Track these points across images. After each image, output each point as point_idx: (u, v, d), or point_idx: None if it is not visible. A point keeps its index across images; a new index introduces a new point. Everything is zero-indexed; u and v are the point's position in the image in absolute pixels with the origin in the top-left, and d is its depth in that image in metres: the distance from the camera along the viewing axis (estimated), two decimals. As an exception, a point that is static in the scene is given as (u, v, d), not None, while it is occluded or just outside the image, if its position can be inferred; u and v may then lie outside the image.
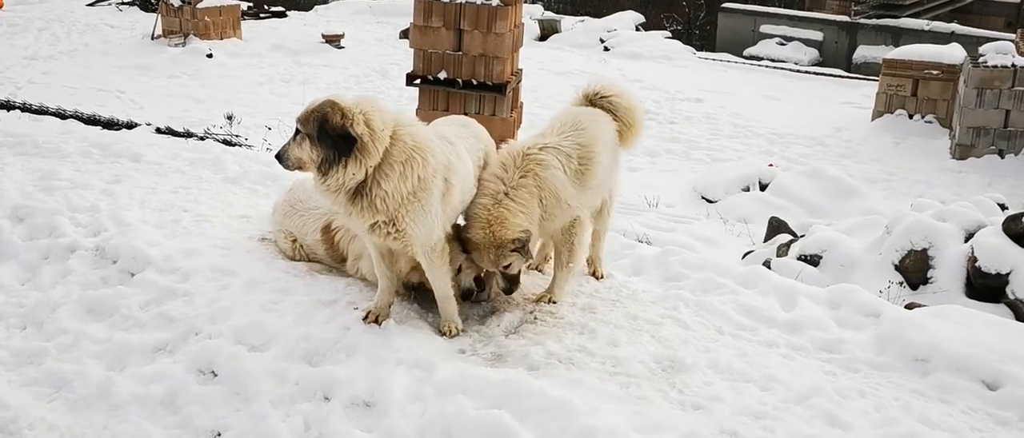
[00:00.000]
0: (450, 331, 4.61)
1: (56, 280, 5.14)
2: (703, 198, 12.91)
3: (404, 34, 23.01)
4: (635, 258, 5.99)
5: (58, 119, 9.39)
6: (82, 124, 9.73)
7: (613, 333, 4.70)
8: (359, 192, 4.28)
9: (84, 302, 4.88)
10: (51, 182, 6.46)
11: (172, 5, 21.06)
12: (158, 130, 9.22)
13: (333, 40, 22.19)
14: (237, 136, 10.68)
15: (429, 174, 4.33)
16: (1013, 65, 15.73)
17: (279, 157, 4.35)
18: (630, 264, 5.93)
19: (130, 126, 9.47)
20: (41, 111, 10.82)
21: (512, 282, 4.81)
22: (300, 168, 4.32)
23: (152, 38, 21.10)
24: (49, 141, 7.68)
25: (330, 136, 4.16)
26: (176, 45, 20.56)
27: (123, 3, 26.23)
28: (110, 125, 9.62)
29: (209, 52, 19.98)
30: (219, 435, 3.86)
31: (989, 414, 4.30)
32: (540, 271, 5.54)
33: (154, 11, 22.62)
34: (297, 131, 4.27)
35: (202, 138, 9.17)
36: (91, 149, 7.49)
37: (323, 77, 19.20)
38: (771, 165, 13.63)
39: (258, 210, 6.24)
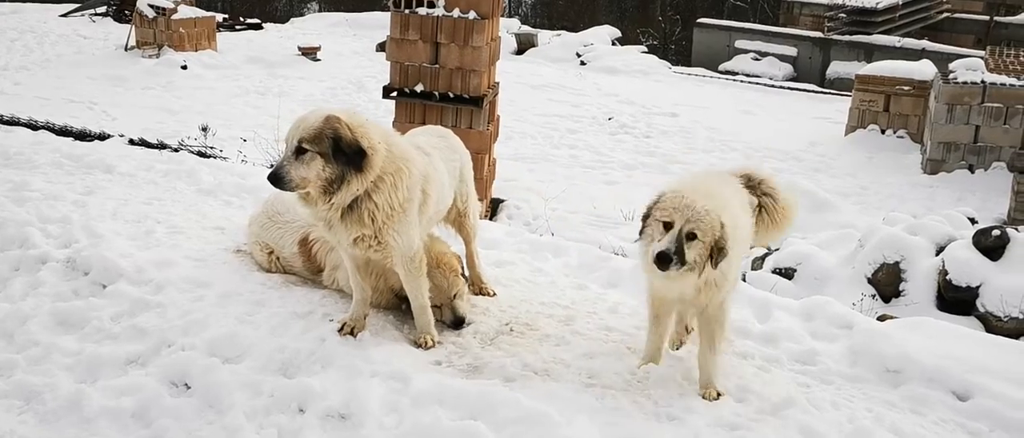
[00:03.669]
0: (426, 343, 4.60)
1: (27, 292, 5.07)
2: (679, 212, 12.94)
3: (381, 47, 23.02)
4: (611, 271, 6.00)
5: (29, 130, 9.26)
6: (54, 135, 9.61)
7: (589, 345, 4.71)
8: (350, 206, 4.25)
9: (55, 314, 4.82)
10: (22, 193, 6.38)
11: (146, 16, 20.94)
12: (131, 141, 9.12)
13: (309, 53, 22.16)
14: (212, 148, 10.60)
15: (412, 185, 4.34)
16: (982, 81, 16.00)
17: (279, 179, 4.05)
18: (606, 276, 5.94)
19: (103, 137, 9.36)
20: (12, 122, 10.68)
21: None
22: (303, 188, 4.13)
23: (126, 49, 20.97)
24: (20, 152, 7.59)
25: (345, 152, 4.05)
26: (150, 56, 20.44)
27: (96, 14, 26.04)
28: (82, 136, 9.52)
29: (183, 64, 19.87)
30: (192, 448, 3.82)
31: (960, 425, 4.35)
32: (674, 348, 4.81)
33: (128, 22, 22.47)
34: (301, 150, 4.05)
35: (176, 150, 9.09)
36: (63, 160, 7.41)
37: (299, 89, 19.15)
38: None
39: (233, 222, 6.20)
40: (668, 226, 4.01)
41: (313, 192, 4.15)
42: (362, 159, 4.09)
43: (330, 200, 4.16)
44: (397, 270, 4.53)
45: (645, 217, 4.16)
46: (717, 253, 4.01)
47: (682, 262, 3.96)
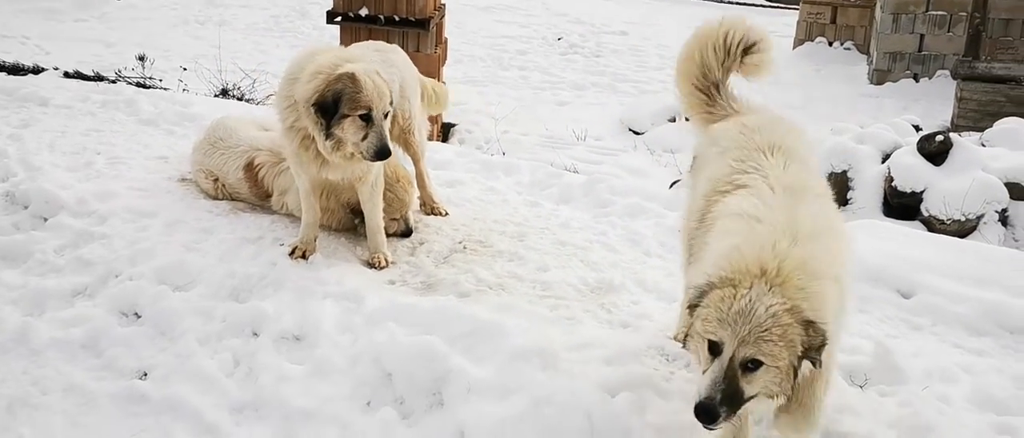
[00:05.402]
0: (380, 263, 4.58)
1: (-36, 228, 4.93)
2: (630, 130, 13.01)
3: (323, -28, 22.39)
4: (563, 187, 6.01)
5: (-42, 66, 8.92)
6: (-15, 70, 9.27)
7: (542, 259, 4.73)
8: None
9: (-5, 248, 4.70)
10: (-47, 129, 6.16)
11: (76, -55, 20.05)
12: (66, 74, 8.82)
13: (250, -21, 21.46)
14: (151, 78, 10.29)
15: None
16: (927, -10, 16.11)
17: (389, 152, 4.25)
18: (558, 192, 5.95)
19: (36, 71, 9.03)
20: (-60, 58, 10.25)
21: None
22: None
23: (57, -20, 20.12)
24: (-51, 87, 7.30)
25: None
26: (83, -13, 19.64)
27: (23, -55, 24.89)
28: (15, 70, 9.17)
29: (118, -7, 19.15)
30: (145, 375, 3.79)
31: (903, 320, 4.48)
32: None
33: (57, -48, 21.50)
34: (387, 114, 4.24)
35: (113, 81, 8.80)
36: (-5, 94, 7.15)
37: (241, 18, 18.63)
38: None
39: (176, 151, 6.06)
40: (715, 348, 2.72)
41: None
42: None
43: None
44: (362, 190, 4.56)
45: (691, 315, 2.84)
46: (813, 355, 2.71)
47: (734, 409, 2.68)
